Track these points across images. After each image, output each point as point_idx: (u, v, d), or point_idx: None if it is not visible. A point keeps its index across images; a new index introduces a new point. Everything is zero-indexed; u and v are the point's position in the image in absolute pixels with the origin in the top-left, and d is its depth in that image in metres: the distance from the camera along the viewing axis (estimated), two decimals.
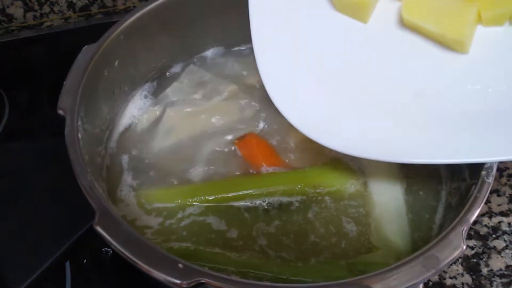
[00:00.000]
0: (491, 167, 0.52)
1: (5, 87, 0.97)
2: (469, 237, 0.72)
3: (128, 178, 0.63)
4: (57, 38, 1.09)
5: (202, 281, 0.41)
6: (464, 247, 0.46)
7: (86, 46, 0.60)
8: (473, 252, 0.68)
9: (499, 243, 0.69)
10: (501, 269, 0.66)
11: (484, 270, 0.66)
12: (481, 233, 0.70)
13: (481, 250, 0.68)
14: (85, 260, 0.59)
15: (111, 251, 0.61)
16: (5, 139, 0.86)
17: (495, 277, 0.65)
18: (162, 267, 0.42)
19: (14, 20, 1.08)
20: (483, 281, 0.65)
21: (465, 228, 0.47)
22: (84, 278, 0.62)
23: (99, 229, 0.44)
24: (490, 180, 0.51)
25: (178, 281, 0.41)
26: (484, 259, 0.67)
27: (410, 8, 0.55)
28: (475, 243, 0.69)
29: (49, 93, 0.95)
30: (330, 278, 0.54)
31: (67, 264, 0.66)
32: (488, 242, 0.69)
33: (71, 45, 1.04)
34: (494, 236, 0.69)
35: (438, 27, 0.54)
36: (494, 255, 0.67)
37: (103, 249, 0.60)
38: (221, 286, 0.41)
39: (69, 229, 0.49)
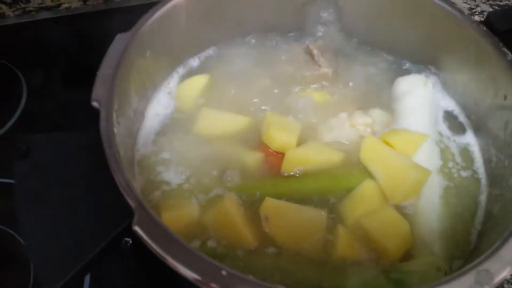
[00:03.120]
0: None
1: (22, 69, 0.95)
2: None
3: (159, 173, 0.60)
4: (76, 21, 1.06)
5: None
6: None
7: (119, 34, 0.57)
8: None
9: None
10: None
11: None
12: None
13: None
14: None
15: (130, 241, 0.59)
16: (27, 123, 0.84)
17: None
18: (206, 274, 0.40)
19: (31, 1, 1.05)
20: (506, 285, 0.63)
21: None
22: (104, 268, 0.60)
23: (138, 230, 0.42)
24: None
25: None
26: None
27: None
28: None
29: (67, 76, 0.93)
30: (368, 286, 0.53)
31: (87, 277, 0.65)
32: None
33: (89, 28, 1.03)
34: None
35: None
36: None
37: (123, 239, 0.58)
38: None
39: (104, 230, 0.46)
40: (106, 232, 0.46)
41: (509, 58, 0.59)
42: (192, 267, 0.41)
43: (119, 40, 0.56)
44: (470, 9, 1.05)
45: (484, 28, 0.62)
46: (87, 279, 0.64)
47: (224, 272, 0.41)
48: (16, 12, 1.08)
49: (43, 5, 1.09)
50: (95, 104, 0.51)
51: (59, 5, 1.10)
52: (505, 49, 0.60)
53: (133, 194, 0.44)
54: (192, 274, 0.40)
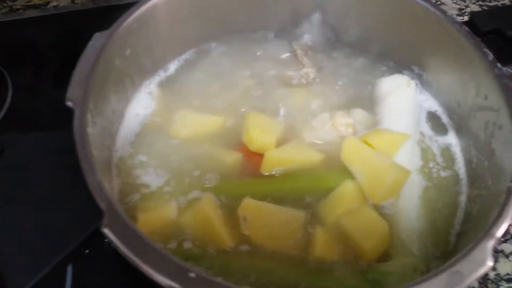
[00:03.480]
0: None
1: (8, 68, 0.94)
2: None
3: (138, 176, 0.60)
4: (63, 19, 1.05)
5: None
6: (491, 263, 0.44)
7: (97, 33, 0.57)
8: None
9: (507, 247, 0.66)
10: (508, 274, 0.63)
11: (491, 274, 0.63)
12: None
13: None
14: (87, 251, 0.57)
15: None
16: (9, 123, 0.83)
17: (502, 281, 0.63)
18: (174, 276, 0.40)
19: None
20: (490, 285, 0.63)
21: (491, 243, 0.45)
22: (86, 268, 0.60)
23: (107, 231, 0.42)
24: None
25: None
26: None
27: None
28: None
29: (54, 75, 0.92)
30: (344, 286, 0.52)
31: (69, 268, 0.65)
32: (496, 246, 0.67)
33: (77, 26, 1.02)
34: (502, 239, 0.67)
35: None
36: (502, 259, 0.65)
37: (105, 239, 0.57)
38: None
39: (75, 231, 0.46)
40: (78, 234, 0.45)
41: (490, 58, 0.59)
42: (160, 270, 0.40)
43: (97, 38, 0.56)
44: (460, 9, 1.05)
45: (466, 28, 0.62)
46: (69, 278, 0.64)
47: (192, 275, 0.40)
48: (3, 10, 1.07)
49: (31, 3, 1.08)
50: (69, 103, 0.50)
51: (47, 3, 1.10)
52: (486, 50, 0.60)
53: (104, 196, 0.44)
54: (160, 277, 0.40)
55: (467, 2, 1.07)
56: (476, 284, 0.62)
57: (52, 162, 0.53)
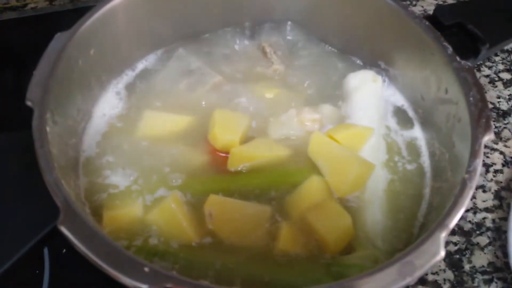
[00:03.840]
0: (474, 170, 0.51)
1: None
2: (452, 233, 0.70)
3: (105, 176, 0.60)
4: (41, 21, 1.05)
5: (169, 286, 0.39)
6: (443, 254, 0.45)
7: (58, 33, 0.57)
8: (456, 248, 0.67)
9: (483, 240, 0.67)
10: (483, 266, 0.65)
11: (467, 267, 0.64)
12: (465, 229, 0.69)
13: (464, 246, 0.67)
14: (64, 250, 0.58)
15: None
16: None
17: (477, 273, 0.64)
18: (128, 271, 0.41)
19: None
20: (465, 278, 0.64)
21: (444, 234, 0.46)
22: (63, 265, 0.61)
23: (63, 229, 0.42)
24: (473, 184, 0.50)
25: (142, 285, 0.40)
26: (467, 256, 0.66)
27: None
28: (458, 239, 0.68)
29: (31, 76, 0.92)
30: (308, 279, 0.53)
31: (46, 250, 0.66)
32: (471, 238, 0.68)
33: (56, 28, 1.02)
34: (478, 232, 0.68)
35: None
36: (477, 252, 0.66)
37: None
38: None
39: (33, 229, 0.46)
40: (37, 232, 0.46)
41: (449, 52, 0.60)
42: (115, 265, 0.41)
43: (58, 39, 0.56)
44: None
45: (426, 22, 0.63)
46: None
47: (146, 269, 0.41)
48: None
49: (8, 5, 1.08)
50: (29, 103, 0.51)
51: (25, 5, 1.09)
52: (446, 44, 0.60)
53: (60, 194, 0.45)
54: (114, 272, 0.40)
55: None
56: (451, 277, 0.63)
57: (14, 161, 0.53)
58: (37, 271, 0.66)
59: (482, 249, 0.66)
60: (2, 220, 0.49)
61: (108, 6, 0.62)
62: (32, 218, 0.46)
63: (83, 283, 0.64)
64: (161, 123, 0.66)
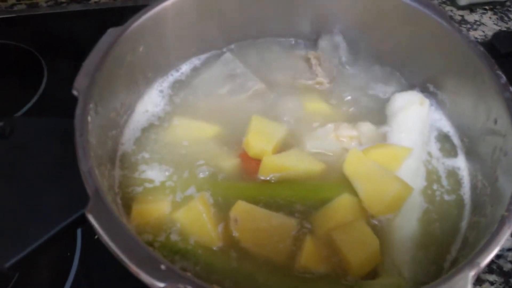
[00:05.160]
0: None
1: (47, 57, 0.99)
2: (490, 271, 0.67)
3: (140, 169, 0.62)
4: (103, 15, 1.10)
5: (181, 286, 0.40)
6: None
7: (111, 28, 0.59)
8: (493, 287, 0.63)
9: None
10: None
11: None
12: (504, 269, 0.65)
13: (501, 287, 0.63)
14: (96, 236, 0.60)
15: None
16: (41, 109, 0.88)
17: None
18: (144, 266, 0.41)
19: None
20: None
21: (473, 273, 0.43)
22: (93, 250, 0.63)
23: (90, 217, 0.43)
24: None
25: (157, 283, 0.40)
26: None
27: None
28: (496, 279, 0.64)
29: None
30: None
31: (79, 232, 0.69)
32: (510, 279, 0.64)
33: (116, 22, 1.06)
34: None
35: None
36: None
37: None
38: None
39: (64, 213, 0.48)
40: (67, 216, 0.48)
41: (502, 81, 0.57)
42: (133, 258, 0.42)
43: (110, 34, 0.59)
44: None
45: (481, 48, 0.60)
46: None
47: (163, 267, 0.41)
48: (49, 3, 1.13)
49: None
50: (75, 92, 0.53)
51: None
52: (500, 72, 0.58)
53: (92, 183, 0.46)
54: (132, 265, 0.41)
55: (509, 24, 1.03)
56: None
57: (57, 146, 0.56)
58: (69, 254, 0.70)
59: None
60: (40, 199, 0.51)
61: (161, 6, 0.64)
62: (68, 200, 0.48)
63: (110, 271, 0.66)
64: (195, 127, 0.67)
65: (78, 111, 0.51)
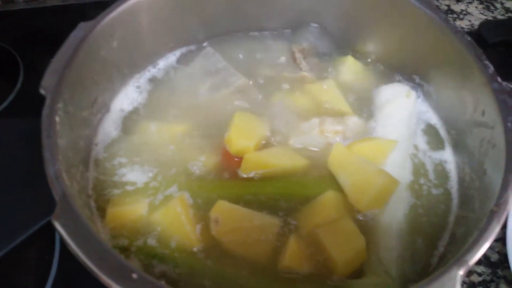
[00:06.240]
0: (504, 202, 0.46)
1: (22, 53, 0.96)
2: (477, 262, 0.65)
3: (115, 171, 0.59)
4: (84, 10, 1.07)
5: None
6: None
7: (81, 22, 0.57)
8: (480, 279, 0.62)
9: (510, 274, 0.62)
10: None
11: None
12: (491, 259, 0.64)
13: (489, 278, 0.62)
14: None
15: None
16: (17, 108, 0.86)
17: None
18: (115, 276, 0.39)
19: None
20: None
21: (461, 272, 0.41)
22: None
23: (56, 224, 0.41)
24: (501, 218, 0.45)
25: None
26: None
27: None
28: (484, 270, 0.63)
29: None
30: None
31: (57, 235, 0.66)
32: (498, 270, 0.63)
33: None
34: (505, 265, 0.63)
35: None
36: (502, 286, 0.62)
37: None
38: None
39: (32, 219, 0.46)
40: (32, 223, 0.45)
41: (490, 71, 0.55)
42: (103, 268, 0.39)
43: (81, 28, 0.56)
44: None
45: (469, 38, 0.58)
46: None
47: (134, 276, 0.39)
48: None
49: None
50: (42, 91, 0.50)
51: None
52: (487, 62, 0.56)
53: (59, 188, 0.44)
54: (102, 275, 0.39)
55: (495, 13, 1.02)
56: None
57: (29, 147, 0.53)
58: (47, 257, 0.67)
59: (509, 283, 0.62)
60: (9, 204, 0.49)
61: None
62: (38, 205, 0.45)
63: (89, 275, 0.64)
64: (174, 124, 0.64)
65: (45, 111, 0.49)
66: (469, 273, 0.64)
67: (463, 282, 0.63)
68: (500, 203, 0.46)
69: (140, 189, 0.58)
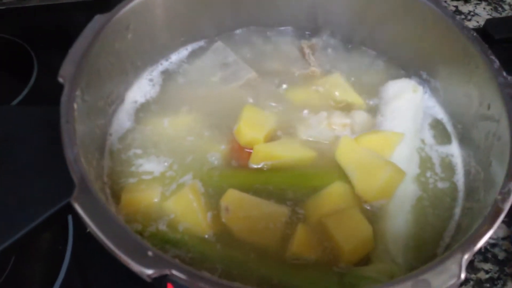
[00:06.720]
0: (508, 192, 0.47)
1: (36, 49, 0.98)
2: (485, 260, 0.67)
3: (130, 159, 0.61)
4: (95, 6, 1.09)
5: (168, 272, 0.39)
6: (463, 276, 0.42)
7: (98, 15, 0.58)
8: (487, 276, 0.63)
9: None
10: None
11: None
12: (499, 257, 0.65)
13: (496, 275, 0.63)
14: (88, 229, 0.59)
15: None
16: (32, 101, 0.88)
17: None
18: (131, 253, 0.40)
19: None
20: None
21: (466, 256, 0.42)
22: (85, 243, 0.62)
23: (75, 205, 0.43)
24: (505, 206, 0.46)
25: (145, 269, 0.39)
26: (498, 286, 0.62)
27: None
28: (491, 267, 0.64)
29: None
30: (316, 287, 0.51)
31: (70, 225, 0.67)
32: (505, 268, 0.64)
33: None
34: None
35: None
36: (510, 283, 0.62)
37: None
38: (187, 280, 0.39)
39: (53, 200, 0.47)
40: (51, 205, 0.47)
41: (495, 66, 0.56)
42: (120, 246, 0.41)
43: (96, 20, 0.57)
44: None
45: (474, 34, 0.59)
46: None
47: (150, 253, 0.41)
48: None
49: None
50: (60, 80, 0.52)
51: None
52: (493, 57, 0.57)
53: (78, 170, 0.45)
54: (118, 252, 0.40)
55: (503, 14, 1.03)
56: None
57: (47, 134, 0.55)
58: (60, 247, 0.69)
59: None
60: (28, 187, 0.50)
61: None
62: (57, 188, 0.47)
63: (102, 264, 0.65)
64: (185, 116, 0.66)
65: (63, 97, 0.50)
66: (477, 270, 0.65)
67: (470, 279, 0.64)
68: (503, 192, 0.47)
69: (154, 176, 0.60)
